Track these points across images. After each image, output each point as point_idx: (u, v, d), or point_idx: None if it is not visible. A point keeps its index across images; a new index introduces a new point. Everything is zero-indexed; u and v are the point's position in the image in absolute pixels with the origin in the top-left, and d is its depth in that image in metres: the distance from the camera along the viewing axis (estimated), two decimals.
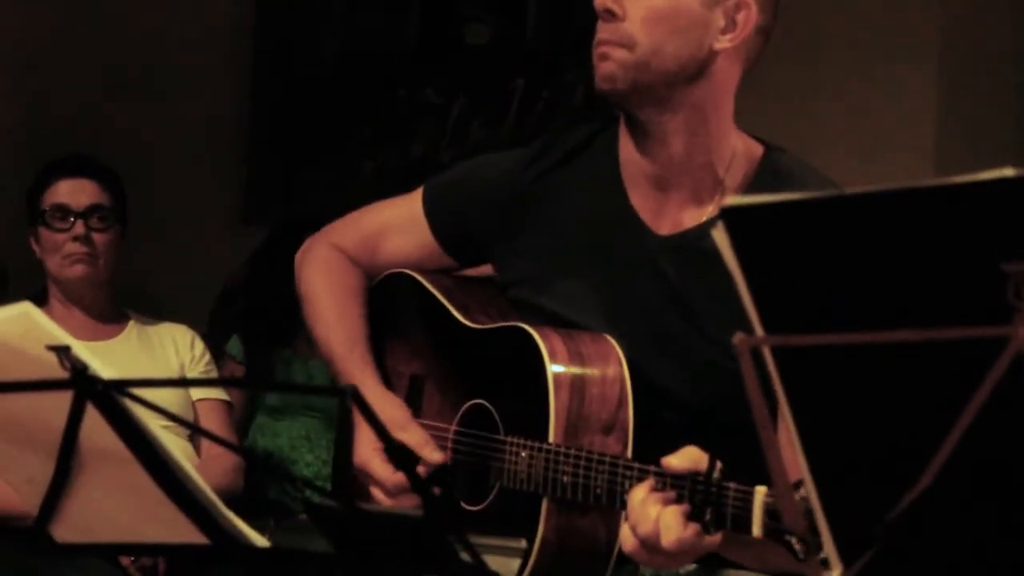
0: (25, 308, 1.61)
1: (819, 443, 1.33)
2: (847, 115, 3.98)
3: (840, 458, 1.33)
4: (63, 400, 1.60)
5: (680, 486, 1.80)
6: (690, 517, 1.78)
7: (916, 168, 3.75)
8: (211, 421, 3.64)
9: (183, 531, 1.65)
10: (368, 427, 2.17)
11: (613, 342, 2.07)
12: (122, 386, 1.54)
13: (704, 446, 1.83)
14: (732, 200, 1.30)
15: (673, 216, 2.13)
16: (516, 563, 2.02)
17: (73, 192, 3.61)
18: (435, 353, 2.30)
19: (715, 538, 1.79)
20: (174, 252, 4.83)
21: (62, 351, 1.54)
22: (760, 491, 1.75)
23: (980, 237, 1.22)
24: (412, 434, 2.18)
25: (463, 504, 2.16)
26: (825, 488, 1.34)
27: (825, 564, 1.34)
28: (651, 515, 1.79)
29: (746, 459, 1.72)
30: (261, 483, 3.87)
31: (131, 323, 3.73)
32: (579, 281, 2.15)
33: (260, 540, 1.66)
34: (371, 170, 4.95)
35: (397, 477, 2.13)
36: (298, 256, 2.43)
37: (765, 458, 1.31)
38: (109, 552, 2.87)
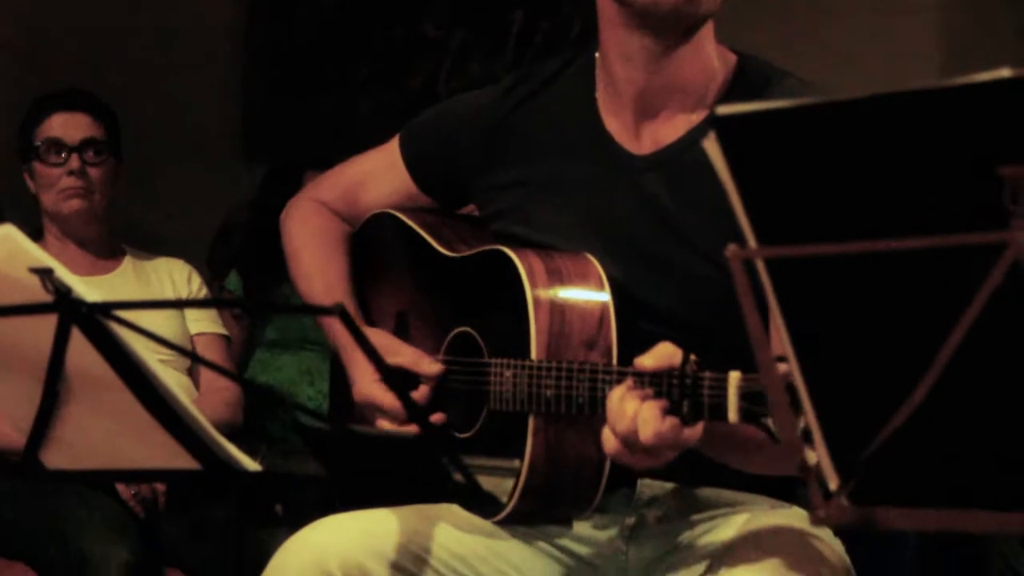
0: (7, 231, 1.59)
1: (815, 354, 1.31)
2: (849, 33, 3.95)
3: (836, 369, 1.31)
4: (49, 324, 1.57)
5: (658, 384, 1.78)
6: (668, 412, 1.76)
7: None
8: (209, 355, 3.61)
9: (174, 456, 1.64)
10: (361, 361, 2.15)
11: (593, 259, 2.05)
12: (106, 309, 1.52)
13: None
14: (724, 109, 1.27)
15: (652, 134, 2.12)
16: (511, 483, 2.00)
17: (66, 126, 3.57)
18: (418, 287, 2.28)
19: (695, 431, 1.77)
20: (174, 188, 4.80)
21: (44, 273, 1.51)
22: (734, 376, 1.74)
23: (976, 141, 1.19)
24: (404, 354, 2.17)
25: (454, 433, 2.14)
26: (821, 401, 1.32)
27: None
28: (628, 412, 1.78)
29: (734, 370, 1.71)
30: (261, 419, 3.86)
31: (127, 258, 3.70)
32: (561, 209, 2.13)
33: (252, 464, 1.64)
34: (370, 105, 4.92)
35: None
36: (282, 215, 2.43)
37: (757, 369, 1.29)
38: (101, 478, 2.85)
